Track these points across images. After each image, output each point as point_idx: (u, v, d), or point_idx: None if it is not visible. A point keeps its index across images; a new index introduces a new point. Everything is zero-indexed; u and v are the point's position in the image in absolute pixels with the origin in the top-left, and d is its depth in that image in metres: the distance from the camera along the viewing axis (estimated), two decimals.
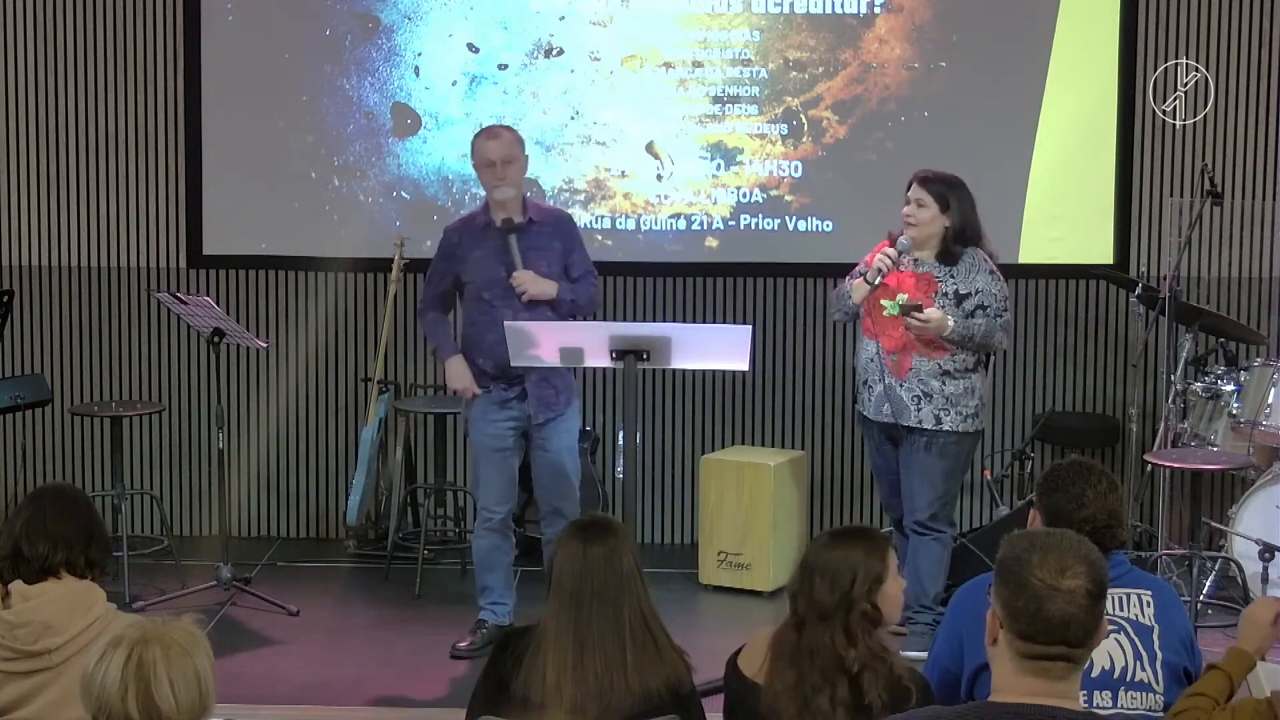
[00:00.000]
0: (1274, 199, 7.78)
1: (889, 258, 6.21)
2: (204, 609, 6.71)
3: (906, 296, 6.20)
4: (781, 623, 3.77)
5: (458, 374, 6.34)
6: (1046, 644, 2.91)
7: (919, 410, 6.26)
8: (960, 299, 6.25)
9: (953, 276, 6.27)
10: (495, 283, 6.25)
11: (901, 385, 6.27)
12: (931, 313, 6.14)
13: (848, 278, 6.45)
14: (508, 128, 6.52)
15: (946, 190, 6.27)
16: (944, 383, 6.26)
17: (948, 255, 6.28)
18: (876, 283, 6.22)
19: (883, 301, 6.24)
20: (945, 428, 6.26)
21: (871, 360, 6.32)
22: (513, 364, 6.02)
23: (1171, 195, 7.77)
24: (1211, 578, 6.92)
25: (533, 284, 6.21)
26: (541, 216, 6.37)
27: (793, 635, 3.72)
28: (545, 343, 5.96)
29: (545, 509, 6.48)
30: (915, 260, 6.28)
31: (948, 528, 6.42)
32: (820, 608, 3.68)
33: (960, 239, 6.27)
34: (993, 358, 6.55)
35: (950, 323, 6.16)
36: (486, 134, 6.39)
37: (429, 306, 6.46)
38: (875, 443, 6.48)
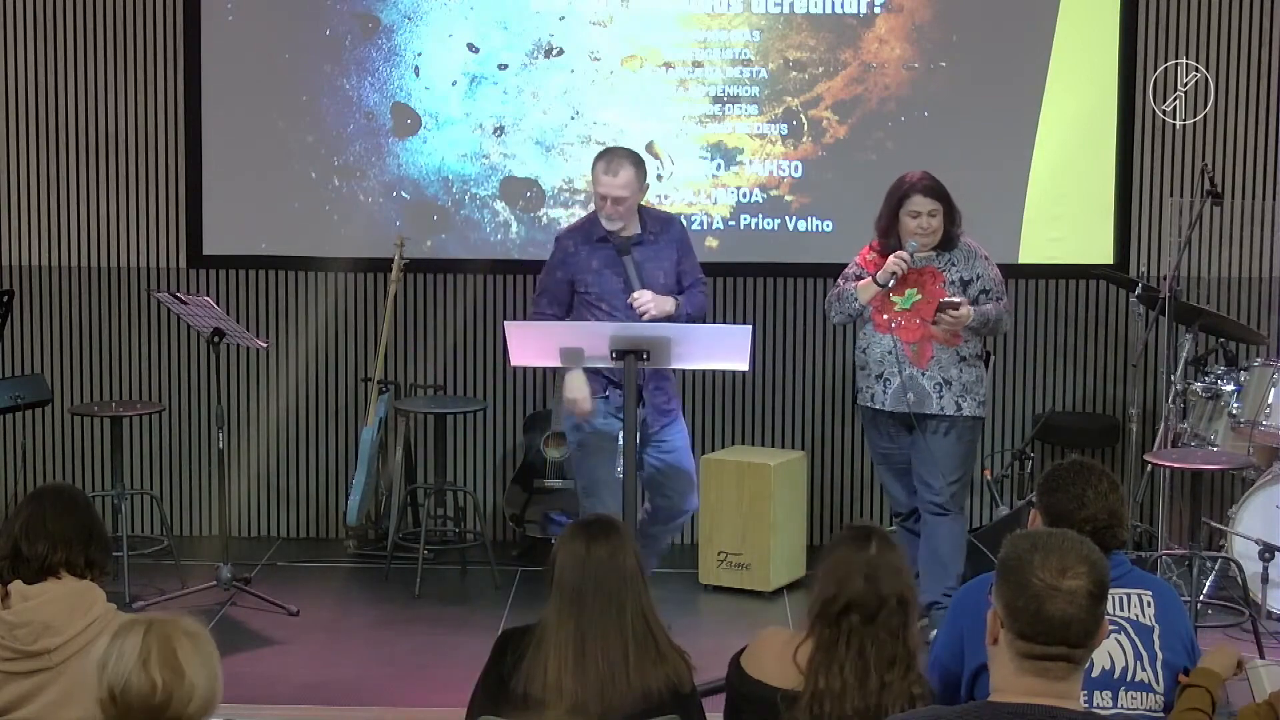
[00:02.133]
0: (1274, 199, 7.77)
1: (904, 261, 6.32)
2: (204, 609, 6.71)
3: (916, 291, 6.38)
4: (820, 627, 3.74)
5: (578, 385, 6.22)
6: (1047, 644, 2.91)
7: (940, 397, 6.42)
8: (965, 285, 6.44)
9: (954, 264, 6.45)
10: (615, 293, 6.25)
11: (923, 374, 6.42)
12: (961, 310, 6.31)
13: (840, 280, 6.54)
14: (631, 158, 6.30)
15: (944, 189, 6.43)
16: (961, 370, 6.44)
17: (946, 242, 6.44)
18: (890, 285, 6.33)
19: (893, 298, 6.39)
20: (965, 413, 6.44)
21: (889, 354, 6.41)
22: (514, 363, 6.02)
23: (1171, 195, 7.77)
24: (1211, 578, 6.92)
25: (654, 305, 6.19)
26: (654, 225, 6.39)
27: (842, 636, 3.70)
28: (546, 342, 5.96)
29: (668, 512, 6.43)
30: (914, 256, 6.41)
31: (961, 509, 6.57)
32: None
33: (956, 223, 6.46)
34: (992, 356, 6.63)
35: (973, 313, 6.35)
36: (606, 165, 6.24)
37: (544, 318, 6.34)
38: (886, 434, 6.55)
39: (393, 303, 7.58)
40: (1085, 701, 3.57)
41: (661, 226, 6.43)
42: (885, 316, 6.43)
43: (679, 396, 6.59)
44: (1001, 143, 7.75)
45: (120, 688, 2.89)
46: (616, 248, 6.27)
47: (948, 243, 6.44)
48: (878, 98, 7.78)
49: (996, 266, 6.57)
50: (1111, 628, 3.68)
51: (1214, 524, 7.06)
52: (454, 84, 7.84)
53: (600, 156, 6.35)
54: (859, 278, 6.50)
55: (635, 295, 6.22)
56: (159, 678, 2.88)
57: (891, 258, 6.36)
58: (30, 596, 3.97)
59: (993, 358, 6.65)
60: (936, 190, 6.40)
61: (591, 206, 7.50)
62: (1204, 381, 7.11)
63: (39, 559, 4.02)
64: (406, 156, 7.87)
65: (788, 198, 7.85)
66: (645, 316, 6.17)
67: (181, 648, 2.90)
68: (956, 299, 6.34)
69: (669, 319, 6.23)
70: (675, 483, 6.44)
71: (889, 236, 6.45)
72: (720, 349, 6.00)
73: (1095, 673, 3.74)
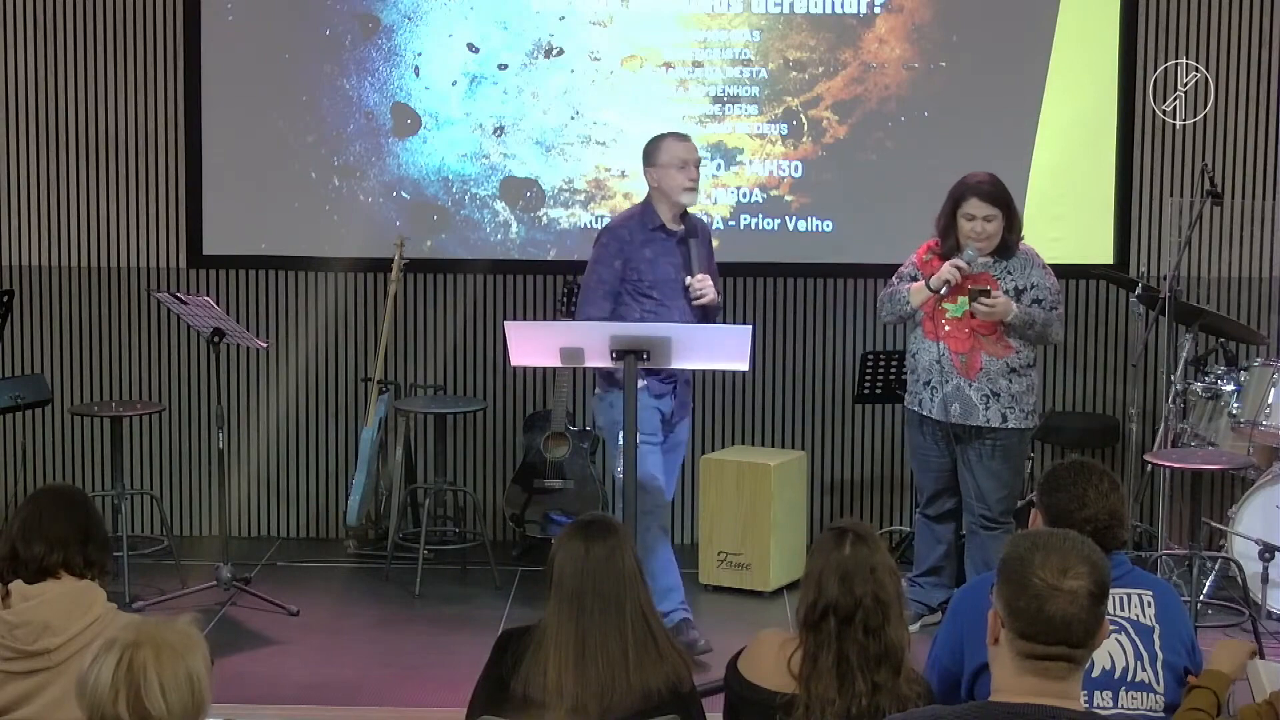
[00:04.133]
0: (1274, 199, 7.78)
1: (959, 269, 6.30)
2: (204, 609, 6.71)
3: (968, 299, 6.33)
4: (804, 632, 3.74)
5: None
6: (1047, 644, 2.92)
7: (987, 409, 6.39)
8: (1019, 294, 6.39)
9: (1010, 273, 6.41)
10: (667, 282, 6.34)
11: (971, 385, 6.39)
12: (998, 297, 6.29)
13: (895, 278, 6.50)
14: None
15: (1005, 194, 6.40)
16: (1010, 381, 6.40)
17: (1004, 249, 6.41)
18: (943, 292, 6.32)
19: (945, 305, 6.35)
20: (1010, 425, 6.42)
21: (937, 362, 6.40)
22: (514, 363, 6.03)
23: (1171, 195, 7.77)
24: (1211, 578, 6.92)
25: (710, 289, 6.35)
26: (693, 222, 6.50)
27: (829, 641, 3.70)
28: (546, 342, 5.97)
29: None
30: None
31: (1012, 520, 6.59)
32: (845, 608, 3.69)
33: (1015, 233, 6.43)
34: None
35: (1014, 307, 6.32)
36: (676, 136, 6.46)
37: (601, 314, 6.32)
38: (931, 440, 6.53)
39: (393, 303, 7.58)
40: (1085, 701, 3.57)
41: (698, 225, 6.53)
42: (935, 323, 6.40)
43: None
44: (1001, 143, 7.75)
45: (98, 717, 2.89)
46: (685, 230, 6.36)
47: (1005, 250, 6.39)
48: (878, 98, 7.78)
49: (1054, 276, 6.50)
50: (1112, 628, 3.68)
51: (1214, 524, 7.06)
52: (454, 84, 7.84)
53: (661, 136, 6.45)
54: (914, 278, 6.46)
55: (697, 278, 6.31)
56: (127, 717, 2.87)
57: (947, 265, 6.31)
58: (30, 596, 3.97)
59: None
60: (995, 195, 6.34)
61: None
62: (1204, 381, 7.11)
63: (36, 560, 4.02)
64: (406, 156, 7.87)
65: (788, 198, 7.85)
66: (702, 300, 6.31)
67: (148, 680, 2.86)
68: (996, 299, 6.29)
69: (706, 308, 6.39)
70: (670, 479, 6.56)
71: (948, 237, 6.41)
72: (720, 349, 6.00)
73: (1095, 673, 3.74)
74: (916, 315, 6.46)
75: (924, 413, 6.48)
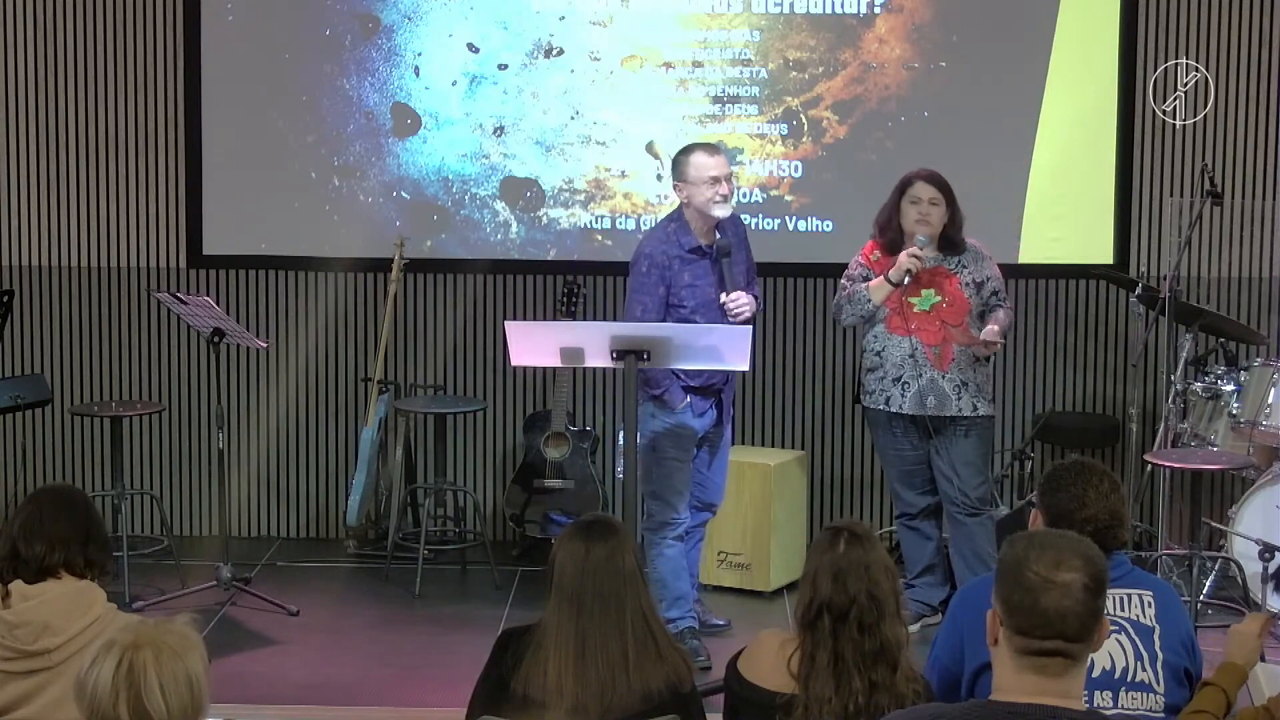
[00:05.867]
0: (1274, 199, 7.78)
1: (919, 259, 6.32)
2: (204, 609, 6.71)
3: (934, 291, 6.40)
4: (801, 632, 3.75)
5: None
6: (1043, 638, 2.92)
7: (959, 399, 6.46)
8: (979, 286, 6.49)
9: (965, 267, 6.49)
10: (709, 305, 6.28)
11: (944, 376, 6.45)
12: (995, 337, 6.40)
13: (845, 281, 6.52)
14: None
15: (948, 185, 6.47)
16: (975, 370, 6.51)
17: (951, 245, 6.46)
18: (905, 283, 6.33)
19: (910, 299, 6.38)
20: (980, 413, 6.51)
21: (910, 357, 6.43)
22: (514, 363, 6.03)
23: (1171, 195, 7.77)
24: (1211, 578, 6.92)
25: (749, 307, 6.29)
26: (727, 223, 6.40)
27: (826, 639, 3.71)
28: (546, 342, 5.96)
29: (699, 504, 6.53)
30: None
31: (991, 505, 6.67)
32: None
33: (958, 227, 6.47)
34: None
35: (996, 328, 6.44)
36: (706, 149, 6.34)
37: None
38: (902, 436, 6.56)
39: (393, 303, 7.58)
40: (1086, 701, 3.56)
41: (731, 225, 6.44)
42: (904, 318, 6.42)
43: None
44: (1001, 143, 7.75)
45: (97, 719, 2.89)
46: (719, 249, 6.29)
47: (953, 246, 6.45)
48: (878, 98, 7.78)
49: (997, 266, 6.63)
50: (1112, 628, 3.69)
51: (1214, 524, 7.06)
52: (454, 84, 7.84)
53: (690, 149, 6.36)
54: (866, 278, 6.48)
55: (732, 297, 6.26)
56: (127, 718, 2.88)
57: (904, 255, 6.34)
58: (30, 596, 3.97)
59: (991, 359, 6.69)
60: (939, 181, 6.43)
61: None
62: (1204, 381, 7.11)
63: (37, 560, 4.02)
64: (406, 156, 7.87)
65: (788, 198, 7.85)
66: (740, 318, 6.24)
67: (148, 682, 2.87)
68: (990, 339, 6.38)
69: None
70: (717, 477, 6.59)
71: (887, 231, 6.44)
72: (720, 349, 6.00)
73: (1095, 673, 3.74)
74: (879, 313, 6.47)
75: (893, 409, 6.50)
